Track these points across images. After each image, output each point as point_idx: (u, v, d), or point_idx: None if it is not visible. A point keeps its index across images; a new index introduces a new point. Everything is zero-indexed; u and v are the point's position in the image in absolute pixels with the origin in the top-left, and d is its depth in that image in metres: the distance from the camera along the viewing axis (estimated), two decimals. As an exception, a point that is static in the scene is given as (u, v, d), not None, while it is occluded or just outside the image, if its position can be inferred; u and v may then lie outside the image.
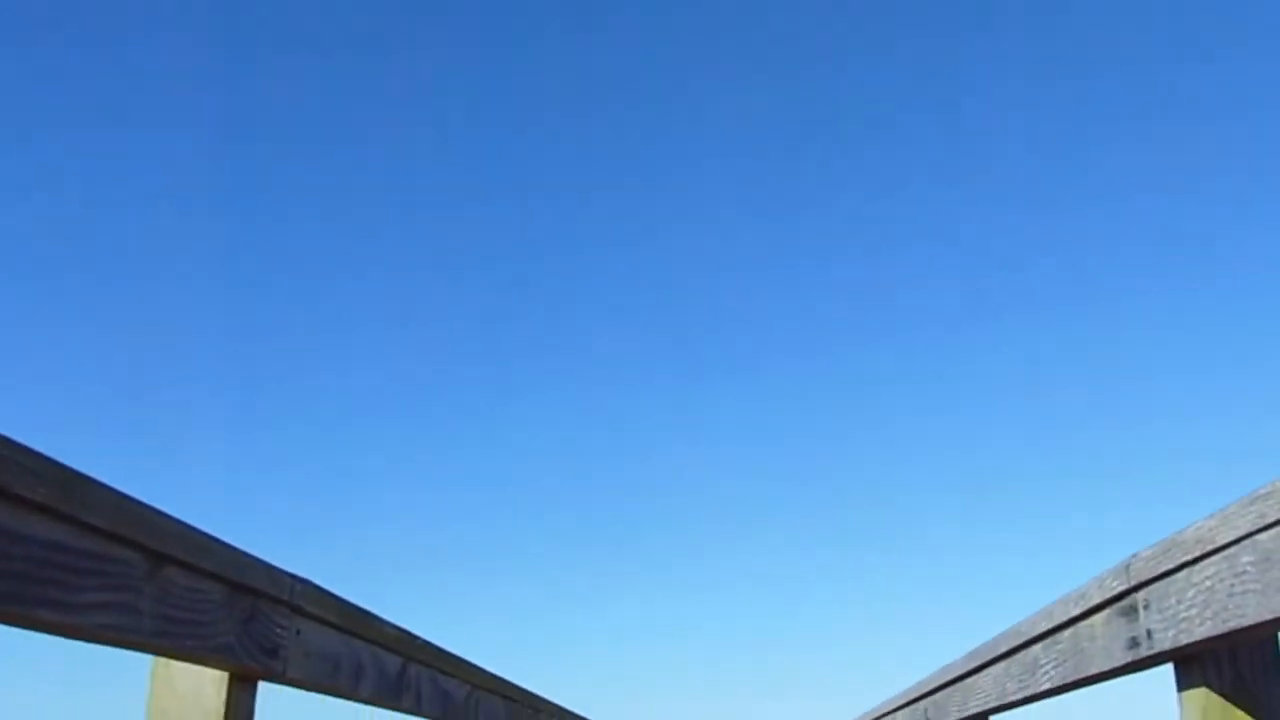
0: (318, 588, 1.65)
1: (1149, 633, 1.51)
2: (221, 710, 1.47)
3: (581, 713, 5.11)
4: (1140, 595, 1.54)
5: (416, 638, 2.18)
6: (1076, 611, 1.78)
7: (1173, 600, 1.43)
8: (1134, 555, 1.55)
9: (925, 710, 3.41)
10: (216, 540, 1.32)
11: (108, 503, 1.07)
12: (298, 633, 1.59)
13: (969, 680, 2.74)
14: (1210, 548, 1.31)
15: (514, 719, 3.38)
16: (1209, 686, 1.47)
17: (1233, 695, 1.46)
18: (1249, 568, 1.23)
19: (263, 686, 1.60)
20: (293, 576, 1.55)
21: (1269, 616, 1.20)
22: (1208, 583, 1.33)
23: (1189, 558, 1.37)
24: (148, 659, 1.46)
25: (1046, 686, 2.02)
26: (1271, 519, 1.18)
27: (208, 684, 1.47)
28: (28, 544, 0.96)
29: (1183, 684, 1.53)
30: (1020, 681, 2.22)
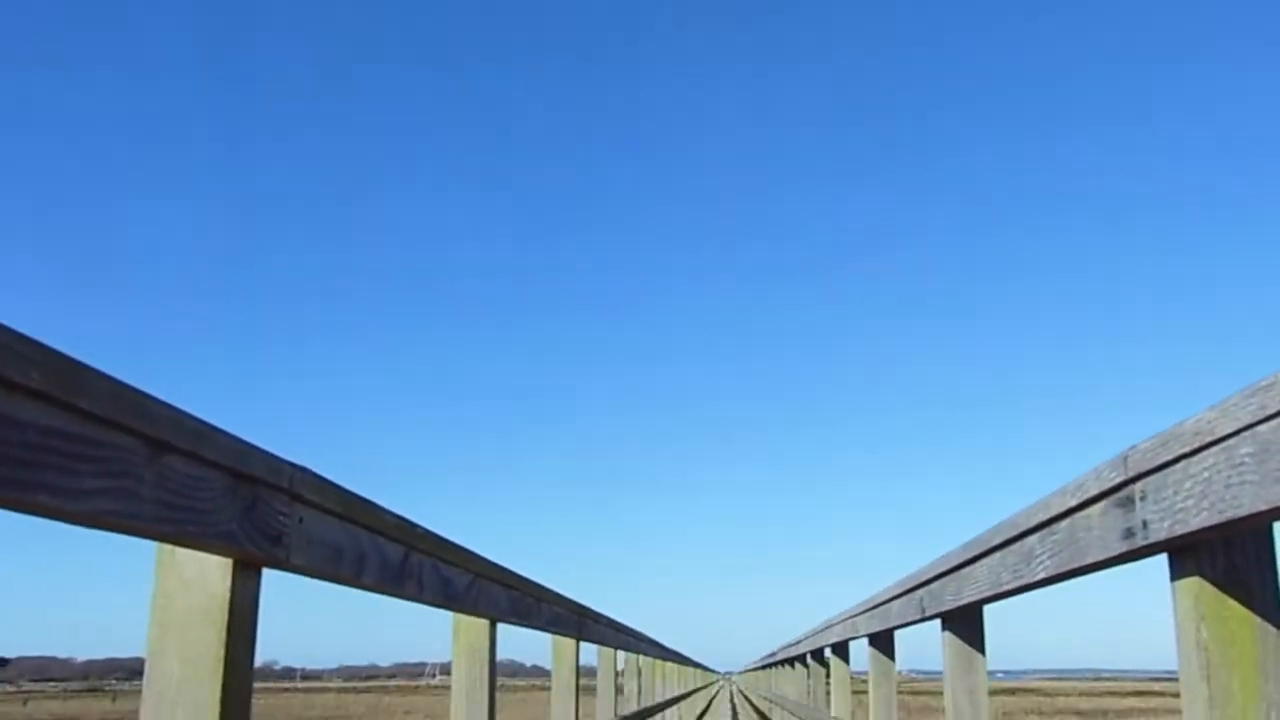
0: (318, 476, 1.65)
1: (1145, 523, 1.53)
2: (227, 595, 1.49)
3: (586, 602, 5.20)
4: (1137, 486, 1.55)
5: (417, 526, 2.20)
6: (1073, 503, 1.79)
7: (1170, 491, 1.44)
8: (1132, 447, 1.55)
9: (921, 600, 3.47)
10: (215, 428, 1.32)
11: (104, 389, 1.07)
12: (299, 520, 1.60)
13: (964, 570, 2.78)
14: (1209, 439, 1.31)
15: (516, 607, 3.44)
16: (1202, 575, 1.48)
17: (1225, 584, 1.48)
18: (1247, 459, 1.23)
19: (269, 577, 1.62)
20: (293, 465, 1.56)
21: (1264, 507, 1.20)
22: (1205, 474, 1.34)
23: (1187, 449, 1.37)
24: (152, 546, 1.48)
25: (1041, 576, 2.05)
26: (1272, 410, 1.17)
27: (212, 570, 1.49)
28: (24, 429, 0.96)
29: (1176, 573, 1.54)
30: (1015, 572, 2.25)
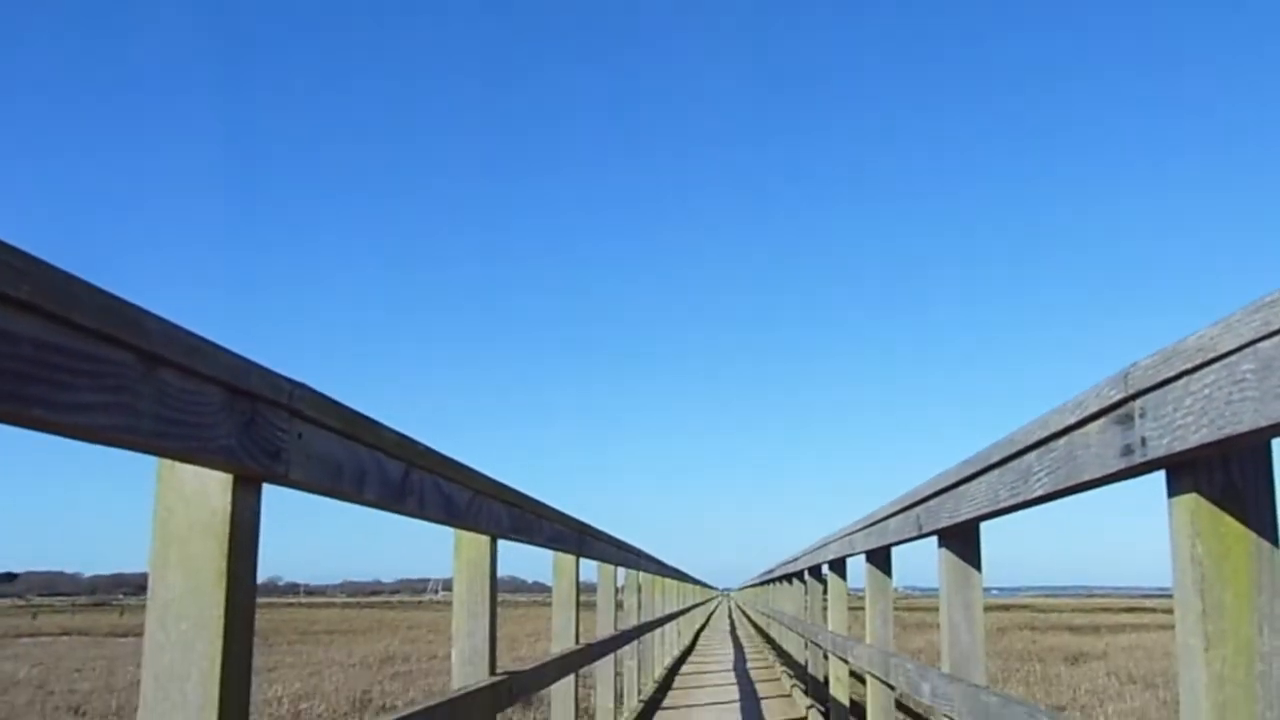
0: (316, 392, 1.65)
1: (1143, 440, 1.53)
2: (228, 509, 1.49)
3: (587, 520, 5.25)
4: (1137, 404, 1.55)
5: (418, 443, 2.20)
6: (1072, 420, 1.79)
7: (1170, 408, 1.44)
8: (1133, 364, 1.55)
9: (918, 517, 3.49)
10: (211, 343, 1.31)
11: (96, 303, 1.06)
12: (299, 436, 1.60)
13: (961, 488, 2.80)
14: (1211, 356, 1.31)
15: (516, 523, 3.46)
16: (1199, 492, 1.49)
17: (1222, 500, 1.48)
18: (1248, 375, 1.23)
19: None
20: (291, 381, 1.56)
21: (1264, 423, 1.20)
22: (1206, 390, 1.33)
23: (1189, 366, 1.37)
24: (152, 461, 1.48)
25: (1039, 493, 2.06)
26: (1275, 326, 1.17)
27: (213, 485, 1.49)
28: (16, 342, 0.95)
29: (1173, 490, 1.55)
30: (1012, 489, 2.26)
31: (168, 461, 1.48)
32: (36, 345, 0.98)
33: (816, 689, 8.83)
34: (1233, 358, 1.26)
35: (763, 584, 20.18)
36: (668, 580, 14.13)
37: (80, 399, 1.05)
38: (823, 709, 7.94)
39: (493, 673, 3.20)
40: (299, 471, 1.61)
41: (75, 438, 1.10)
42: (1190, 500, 1.50)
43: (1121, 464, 1.61)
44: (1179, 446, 1.41)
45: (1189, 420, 1.38)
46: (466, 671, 3.14)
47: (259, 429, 1.47)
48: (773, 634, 17.99)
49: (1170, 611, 1.63)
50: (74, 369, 1.04)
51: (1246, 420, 1.23)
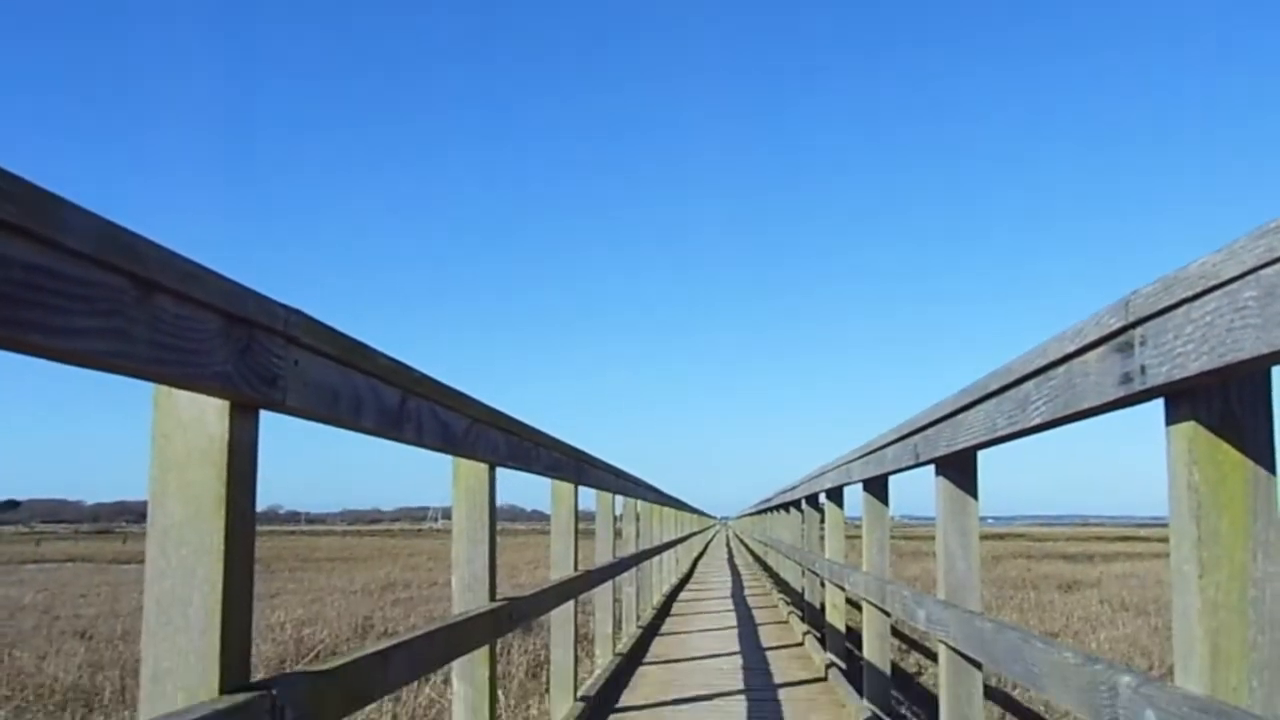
0: (312, 319, 1.64)
1: (1143, 368, 1.52)
2: (225, 436, 1.49)
3: (583, 447, 5.27)
4: (1137, 332, 1.54)
5: (413, 370, 2.20)
6: (1071, 348, 1.79)
7: (1170, 336, 1.43)
8: (1134, 292, 1.54)
9: (915, 445, 3.51)
10: (206, 269, 1.30)
11: (87, 227, 1.05)
12: (295, 363, 1.59)
13: (959, 417, 2.80)
14: (1213, 283, 1.30)
15: (514, 451, 3.47)
16: (1197, 420, 1.49)
17: (1220, 428, 1.48)
18: (1250, 302, 1.22)
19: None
20: (286, 307, 1.55)
21: (1265, 350, 1.19)
22: (1207, 318, 1.32)
23: (1190, 293, 1.36)
24: (148, 388, 1.48)
25: (1036, 421, 2.06)
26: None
27: (210, 411, 1.49)
28: (7, 266, 0.94)
29: (1171, 418, 1.55)
30: (1010, 417, 2.26)
31: (164, 388, 1.47)
32: (25, 268, 0.96)
33: (813, 616, 8.94)
34: (1235, 284, 1.25)
35: (760, 513, 20.34)
36: (666, 509, 14.24)
37: (75, 324, 1.04)
38: (819, 635, 8.05)
39: (493, 599, 3.23)
40: (296, 398, 1.61)
41: (71, 363, 1.09)
42: (1188, 428, 1.50)
43: (1120, 392, 1.60)
44: (1178, 374, 1.41)
45: (1189, 348, 1.37)
46: (467, 598, 3.18)
47: (255, 355, 1.46)
48: (770, 562, 18.18)
49: (1164, 541, 1.64)
50: (68, 293, 1.03)
51: (1248, 347, 1.22)
